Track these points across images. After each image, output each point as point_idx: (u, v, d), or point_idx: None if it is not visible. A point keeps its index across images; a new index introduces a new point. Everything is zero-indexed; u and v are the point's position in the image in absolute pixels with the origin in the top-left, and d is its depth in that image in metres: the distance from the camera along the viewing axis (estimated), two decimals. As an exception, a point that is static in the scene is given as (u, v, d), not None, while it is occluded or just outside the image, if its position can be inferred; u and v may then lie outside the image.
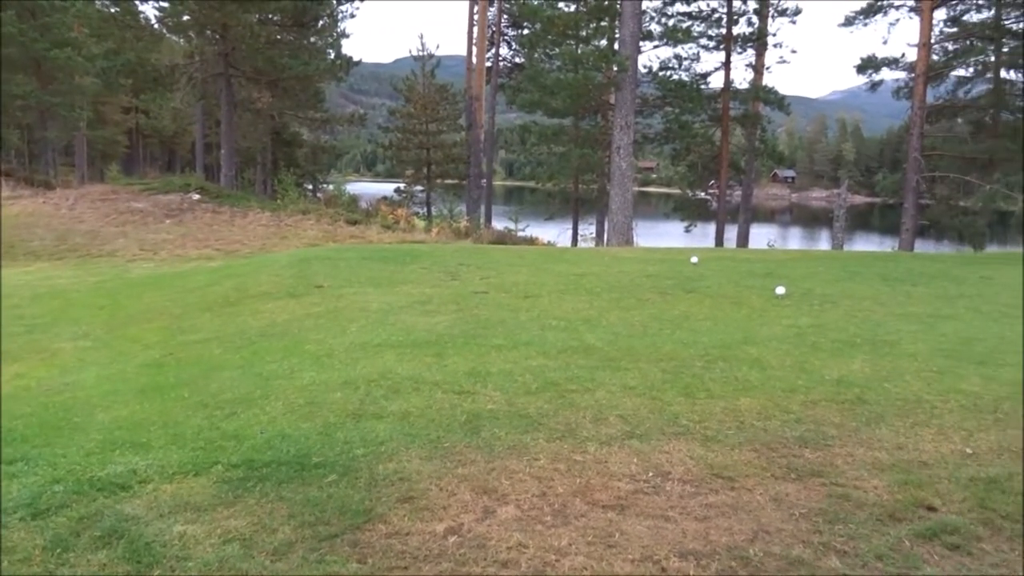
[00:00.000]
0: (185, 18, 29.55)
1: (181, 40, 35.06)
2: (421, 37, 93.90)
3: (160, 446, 4.23)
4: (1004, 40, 28.54)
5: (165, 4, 29.47)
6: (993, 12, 28.87)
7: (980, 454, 4.18)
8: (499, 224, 32.19)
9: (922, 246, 30.16)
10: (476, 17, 34.50)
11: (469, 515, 3.39)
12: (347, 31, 35.42)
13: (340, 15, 33.17)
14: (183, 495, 3.57)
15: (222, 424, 4.58)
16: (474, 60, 34.81)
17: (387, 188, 43.37)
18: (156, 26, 33.43)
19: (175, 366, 6.52)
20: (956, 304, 9.07)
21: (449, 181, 40.90)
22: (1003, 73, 29.29)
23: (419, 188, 40.54)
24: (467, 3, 35.42)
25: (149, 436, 4.43)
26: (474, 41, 34.83)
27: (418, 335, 6.75)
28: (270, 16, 31.15)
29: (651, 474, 3.86)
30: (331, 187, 34.15)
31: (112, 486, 3.66)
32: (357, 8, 31.96)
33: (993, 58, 28.89)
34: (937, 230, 31.76)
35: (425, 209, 38.72)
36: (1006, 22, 28.53)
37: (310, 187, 40.56)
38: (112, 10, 31.78)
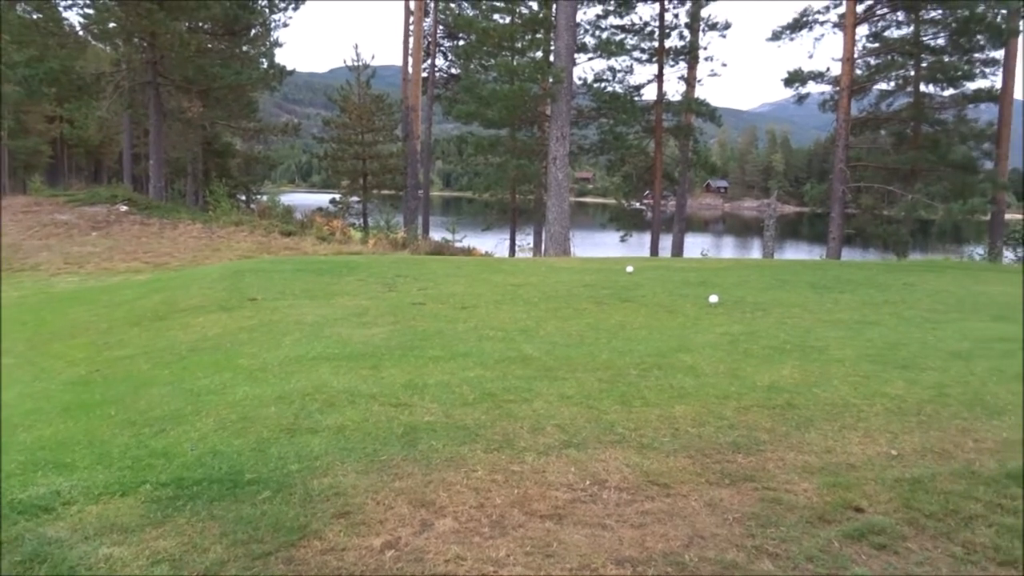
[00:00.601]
0: (111, 25, 28.73)
1: (107, 48, 34.14)
2: (356, 47, 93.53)
3: (85, 466, 4.09)
4: (923, 56, 29.72)
5: (90, 11, 28.64)
6: (912, 29, 30.05)
7: (905, 455, 4.31)
8: (436, 235, 32.07)
9: (849, 254, 31.09)
10: (412, 28, 34.42)
11: (406, 529, 3.36)
12: (280, 40, 35.04)
13: (273, 24, 32.74)
14: (109, 516, 3.46)
15: (151, 442, 4.45)
16: (410, 70, 34.70)
17: (323, 199, 42.84)
18: (81, 33, 32.46)
19: (102, 383, 6.32)
20: (881, 310, 9.36)
21: (386, 192, 40.62)
22: (922, 87, 30.48)
23: (355, 199, 40.16)
24: (403, 14, 35.36)
25: (74, 456, 4.28)
26: (410, 52, 34.73)
27: (354, 347, 6.68)
28: (200, 24, 30.54)
29: (588, 483, 3.88)
30: (265, 198, 33.55)
31: (34, 508, 3.52)
32: (291, 18, 31.68)
33: (913, 73, 30.06)
34: (863, 238, 32.75)
35: (361, 220, 38.38)
36: (924, 39, 29.73)
37: (243, 198, 39.85)
38: (34, 16, 30.74)
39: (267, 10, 31.38)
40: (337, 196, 40.40)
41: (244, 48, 34.09)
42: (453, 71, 39.48)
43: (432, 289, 10.52)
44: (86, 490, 3.72)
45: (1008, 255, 23.06)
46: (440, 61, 39.99)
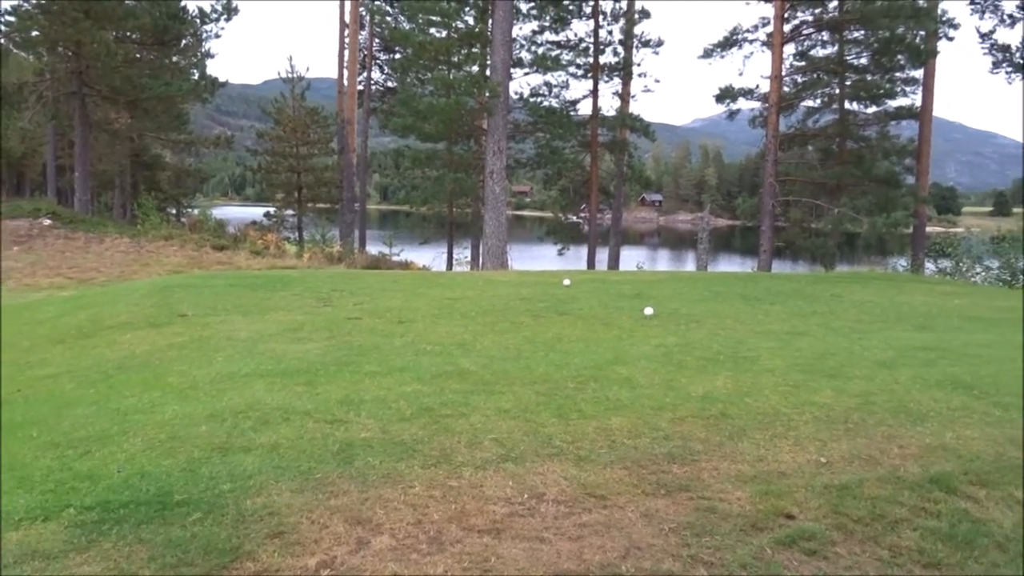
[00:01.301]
0: (34, 34, 27.88)
1: (30, 57, 33.06)
2: (290, 59, 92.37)
3: (5, 490, 3.92)
4: (847, 74, 30.76)
5: (12, 19, 27.72)
6: (837, 49, 31.08)
7: (833, 462, 4.43)
8: (373, 249, 31.87)
9: (779, 266, 31.84)
10: (347, 41, 34.24)
11: (342, 547, 3.31)
12: (212, 51, 34.43)
13: (204, 35, 32.10)
14: (31, 542, 3.32)
15: (75, 464, 4.30)
16: (346, 83, 34.49)
17: (257, 212, 42.18)
18: (2, 42, 31.38)
19: (23, 403, 6.07)
20: (809, 321, 9.61)
21: (321, 205, 40.22)
22: (847, 104, 31.54)
23: (290, 212, 39.65)
24: (338, 26, 35.13)
25: (-9, 480, 4.11)
26: (345, 64, 34.52)
27: (288, 363, 6.57)
28: (128, 34, 29.84)
29: (526, 496, 3.88)
30: (196, 211, 32.90)
31: (-53, 537, 3.36)
32: (223, 28, 31.14)
33: (838, 90, 31.09)
34: (792, 251, 33.57)
35: (296, 234, 37.89)
36: (848, 58, 30.79)
37: (174, 212, 39.00)
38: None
39: (198, 20, 30.81)
40: (271, 209, 39.85)
41: (174, 59, 33.39)
42: (389, 84, 39.39)
43: (368, 303, 10.42)
44: (6, 515, 3.57)
45: (929, 266, 23.91)
46: (376, 74, 39.91)
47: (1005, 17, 29.82)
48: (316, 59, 44.68)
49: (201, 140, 38.26)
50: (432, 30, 29.12)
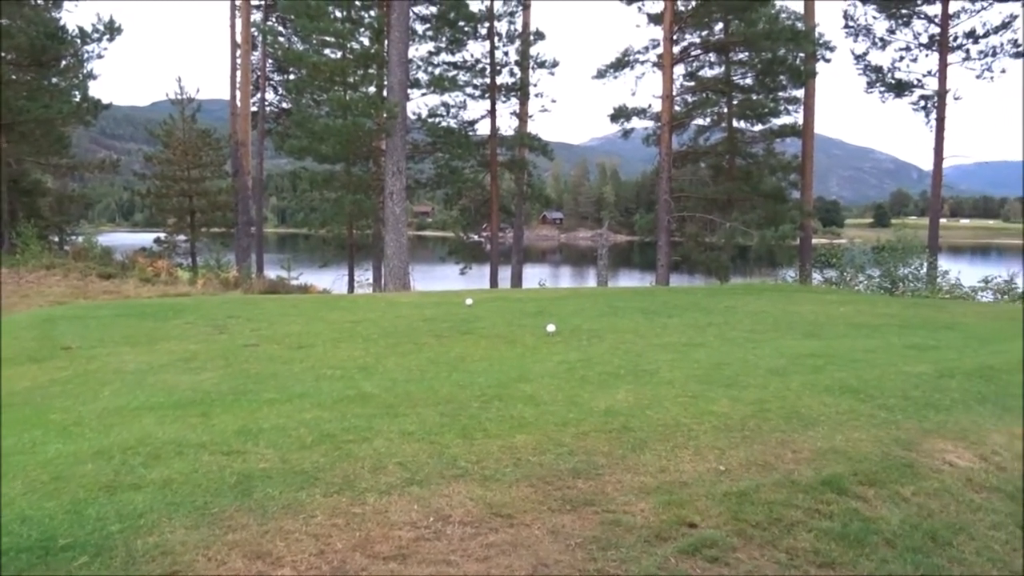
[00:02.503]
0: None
1: None
2: (179, 80, 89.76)
3: None
4: (734, 94, 32.04)
5: None
6: (724, 69, 32.36)
7: (732, 470, 4.54)
8: (271, 273, 31.13)
9: (676, 280, 32.70)
10: (239, 61, 33.51)
11: (240, 584, 3.19)
12: (95, 72, 32.94)
13: (86, 55, 30.79)
14: None
15: (-55, 512, 4.00)
16: (239, 104, 33.71)
17: (147, 238, 40.65)
18: None
19: None
20: (706, 332, 9.88)
21: (216, 230, 39.14)
22: (735, 123, 32.82)
23: (182, 238, 38.41)
24: (229, 47, 34.35)
25: None
26: (238, 85, 33.78)
27: (181, 395, 6.32)
28: (3, 54, 28.39)
29: (432, 519, 3.83)
30: (81, 239, 31.44)
31: None
32: (105, 48, 29.87)
33: (726, 109, 32.33)
34: (688, 264, 34.53)
35: (190, 260, 36.70)
36: (735, 78, 32.10)
37: (56, 239, 37.10)
38: None
39: (79, 40, 29.58)
40: (162, 235, 38.51)
41: (54, 80, 31.89)
42: (284, 105, 38.67)
43: (266, 329, 10.15)
44: None
45: (816, 276, 24.97)
46: (270, 95, 39.14)
47: (877, 40, 31.75)
48: (207, 80, 43.84)
49: (84, 164, 36.62)
50: (327, 51, 28.82)
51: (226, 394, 6.30)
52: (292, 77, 35.10)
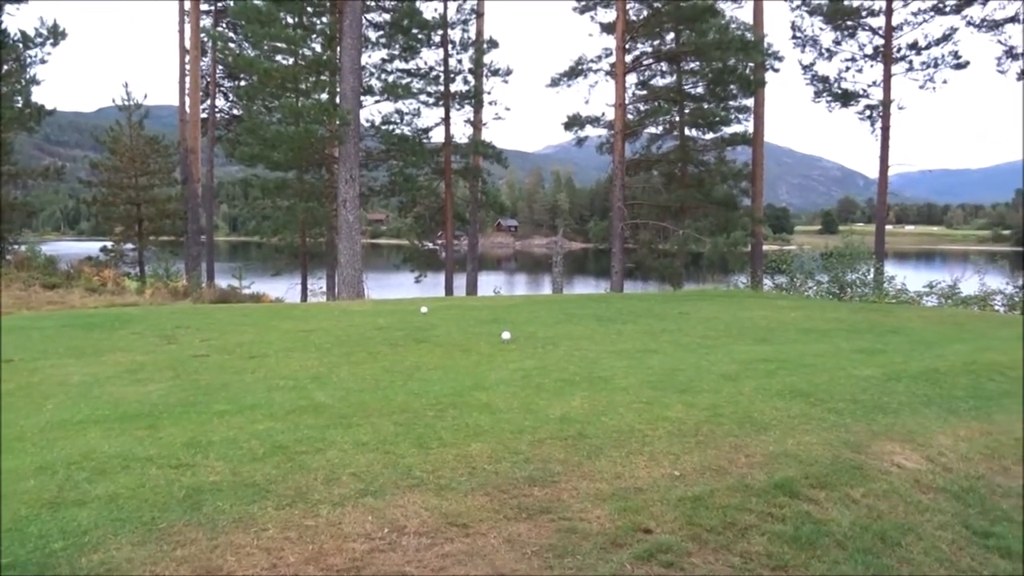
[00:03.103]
0: None
1: None
2: (126, 86, 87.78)
3: None
4: (685, 103, 32.46)
5: None
6: (675, 78, 32.77)
7: (686, 475, 4.58)
8: (222, 282, 30.64)
9: (631, 287, 32.95)
10: (188, 67, 32.97)
11: (189, 601, 3.11)
12: (38, 77, 32.11)
13: (28, 60, 29.99)
14: None
15: None
16: (188, 111, 33.16)
17: (93, 247, 39.72)
18: None
19: None
20: (660, 339, 9.96)
21: (165, 238, 38.39)
22: (687, 131, 33.24)
23: (130, 246, 37.60)
24: (178, 52, 33.78)
25: None
26: (187, 91, 33.21)
27: (128, 407, 6.16)
28: (-60, 59, 27.56)
29: (386, 530, 3.79)
30: (24, 248, 30.57)
31: None
32: (49, 53, 29.04)
33: (678, 118, 32.73)
34: (642, 271, 34.81)
35: (138, 269, 35.95)
36: (686, 87, 32.53)
37: (-3, 249, 36.07)
38: None
39: (21, 45, 28.81)
40: (109, 244, 37.67)
41: (-6, 85, 31.02)
42: (235, 112, 38.17)
43: (217, 340, 9.97)
44: None
45: (767, 282, 25.33)
46: (221, 102, 38.63)
47: (823, 51, 32.45)
48: (155, 85, 43.03)
49: (28, 172, 35.57)
50: (278, 57, 28.52)
51: (174, 406, 6.17)
52: (243, 83, 34.69)
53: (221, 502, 4.08)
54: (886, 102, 30.51)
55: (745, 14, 44.60)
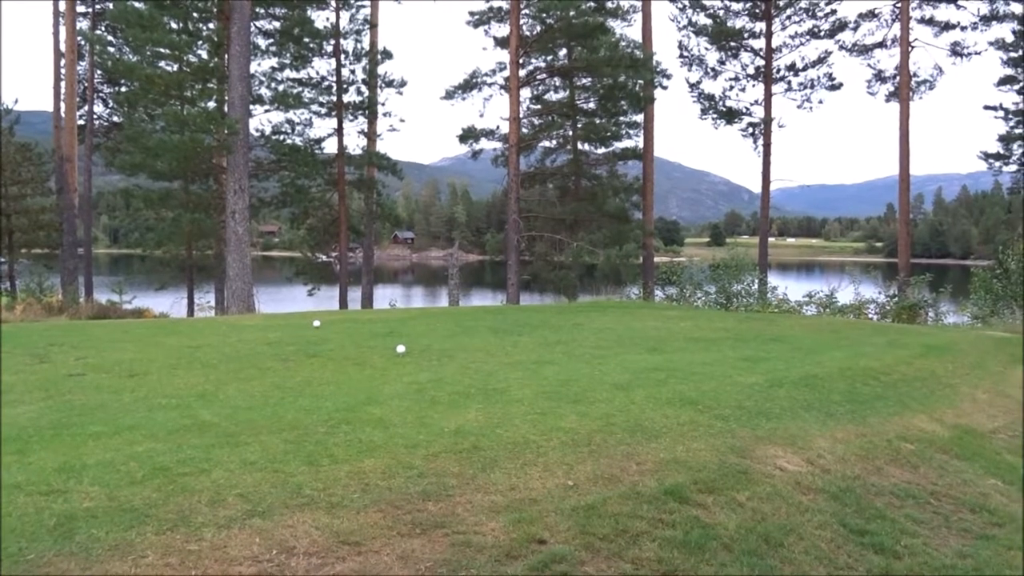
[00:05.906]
0: None
1: None
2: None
3: None
4: (578, 117, 33.09)
5: None
6: (568, 93, 33.37)
7: (580, 484, 4.61)
8: (102, 297, 29.30)
9: (527, 298, 33.24)
10: (64, 71, 31.41)
11: (58, 637, 2.91)
12: None
13: None
14: None
15: None
16: (63, 117, 31.57)
17: (-43, 261, 37.24)
18: None
19: None
20: (555, 350, 10.05)
21: (38, 251, 36.34)
22: (580, 145, 33.88)
23: (0, 260, 35.42)
24: (52, 55, 32.17)
25: None
26: (63, 97, 31.64)
27: (-6, 431, 5.76)
28: None
29: (275, 552, 3.66)
30: None
31: None
32: (-92, 54, 27.24)
33: (571, 132, 33.32)
34: (538, 283, 35.18)
35: (8, 284, 33.89)
36: (579, 102, 33.17)
37: None
38: None
39: None
40: (-25, 258, 35.39)
41: None
42: (115, 119, 36.55)
43: (94, 357, 9.47)
44: None
45: (658, 293, 25.98)
46: (99, 108, 36.95)
47: (709, 70, 33.74)
48: (26, 90, 40.62)
49: None
50: (162, 63, 27.48)
51: (45, 428, 5.80)
52: (124, 89, 33.24)
53: (96, 529, 3.85)
54: (767, 120, 31.97)
55: (635, 32, 45.87)
